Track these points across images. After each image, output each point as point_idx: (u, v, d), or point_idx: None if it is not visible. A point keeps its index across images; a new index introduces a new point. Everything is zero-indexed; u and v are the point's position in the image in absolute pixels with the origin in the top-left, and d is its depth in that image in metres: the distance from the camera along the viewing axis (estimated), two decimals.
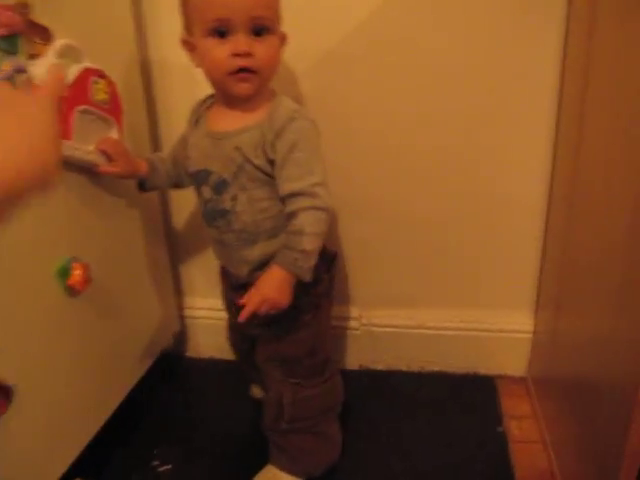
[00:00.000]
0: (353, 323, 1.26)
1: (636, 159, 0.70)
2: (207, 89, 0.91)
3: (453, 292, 1.22)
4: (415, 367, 1.28)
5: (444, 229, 1.17)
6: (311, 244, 0.82)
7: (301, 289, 0.89)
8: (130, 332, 1.08)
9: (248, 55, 0.80)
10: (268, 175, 0.85)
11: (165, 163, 1.00)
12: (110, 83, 0.89)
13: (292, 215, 0.83)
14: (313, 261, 0.83)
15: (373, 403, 1.19)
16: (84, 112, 0.84)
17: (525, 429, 1.11)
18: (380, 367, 1.29)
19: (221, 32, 0.80)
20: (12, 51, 0.74)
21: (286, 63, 1.06)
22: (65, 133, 0.80)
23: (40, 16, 0.78)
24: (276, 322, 0.92)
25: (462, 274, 1.20)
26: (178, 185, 1.02)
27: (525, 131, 1.07)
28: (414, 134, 1.10)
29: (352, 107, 1.10)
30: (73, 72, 0.81)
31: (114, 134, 0.92)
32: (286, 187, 0.83)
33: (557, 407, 1.04)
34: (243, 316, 0.81)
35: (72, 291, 0.88)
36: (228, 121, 0.88)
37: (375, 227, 1.19)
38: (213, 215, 0.91)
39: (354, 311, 1.26)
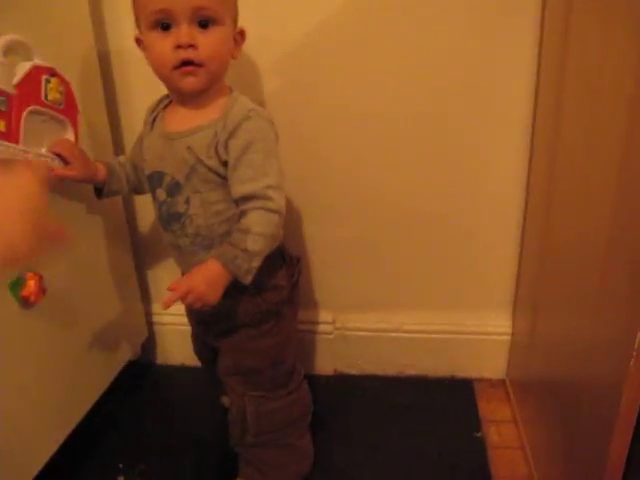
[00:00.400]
0: (326, 327, 1.23)
1: (614, 157, 0.68)
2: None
3: (429, 294, 1.20)
4: (391, 371, 1.25)
5: (419, 230, 1.14)
6: (256, 244, 0.77)
7: (260, 296, 0.86)
8: (93, 342, 1.03)
9: (191, 47, 0.76)
10: (221, 177, 0.81)
11: (124, 167, 0.95)
12: (63, 81, 0.84)
13: (242, 214, 0.79)
14: (255, 263, 0.78)
15: (348, 409, 1.16)
16: (34, 113, 0.79)
17: (504, 434, 1.08)
18: (355, 372, 1.26)
19: (164, 25, 0.77)
20: None
21: (252, 59, 1.03)
22: (13, 136, 0.75)
23: None
24: (234, 331, 0.89)
25: (438, 276, 1.18)
26: (138, 190, 0.98)
27: (502, 131, 1.05)
28: (386, 131, 1.07)
29: (319, 103, 1.06)
30: (21, 70, 0.76)
31: (69, 135, 0.88)
32: (238, 189, 0.79)
33: (537, 411, 1.02)
34: (166, 304, 0.76)
35: (26, 303, 0.83)
36: (181, 121, 0.84)
37: (348, 229, 1.15)
38: (168, 219, 0.87)
39: (327, 315, 1.23)
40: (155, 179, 0.87)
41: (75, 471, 1.03)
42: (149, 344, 1.30)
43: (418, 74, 1.02)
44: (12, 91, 0.74)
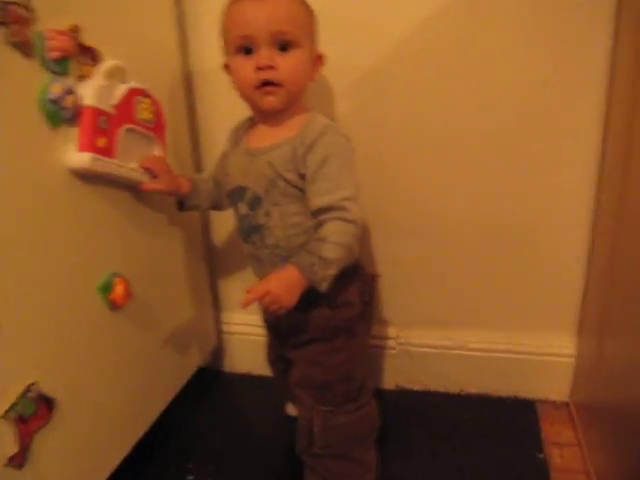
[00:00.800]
0: (390, 342, 1.25)
1: None
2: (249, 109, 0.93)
3: (493, 313, 1.20)
4: (453, 389, 1.25)
5: (484, 247, 1.15)
6: (332, 252, 0.80)
7: (331, 311, 0.89)
8: (168, 346, 1.09)
9: (271, 68, 0.82)
10: (299, 190, 0.85)
11: (207, 183, 1.01)
12: (154, 102, 0.91)
13: (319, 225, 0.83)
14: (331, 271, 0.81)
15: (409, 425, 1.17)
16: (129, 131, 0.86)
17: (567, 457, 1.07)
18: (417, 388, 1.27)
19: (247, 49, 0.83)
20: (63, 73, 0.77)
21: (329, 82, 1.08)
22: (110, 151, 0.82)
23: (89, 39, 0.80)
24: (307, 344, 0.92)
25: (502, 295, 1.18)
26: (217, 206, 1.03)
27: (571, 149, 1.05)
28: (454, 150, 1.09)
29: (389, 125, 1.10)
30: (119, 92, 0.84)
31: (157, 152, 0.95)
32: (316, 201, 0.83)
33: (602, 435, 1.00)
34: (243, 304, 0.79)
35: (113, 305, 0.89)
36: (263, 138, 0.89)
37: (413, 245, 1.17)
38: (248, 231, 0.92)
39: (391, 330, 1.25)
40: (237, 194, 0.92)
41: (146, 469, 1.08)
42: (218, 352, 1.35)
43: (486, 92, 1.04)
44: (111, 111, 0.82)
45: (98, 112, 0.79)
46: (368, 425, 0.99)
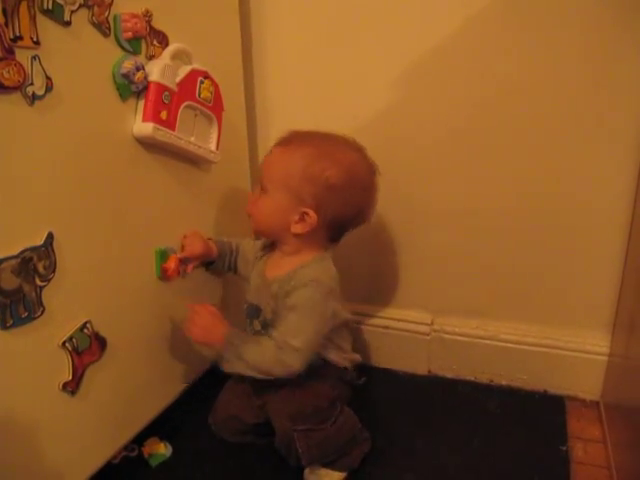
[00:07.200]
0: (424, 328, 1.29)
1: None
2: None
3: (528, 305, 1.22)
4: (483, 378, 1.28)
5: (523, 240, 1.17)
6: (248, 355, 0.91)
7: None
8: None
9: (250, 202, 1.00)
10: None
11: (233, 255, 1.11)
12: (214, 83, 1.00)
13: (267, 335, 0.93)
14: (237, 367, 0.91)
15: (437, 410, 1.21)
16: (189, 107, 0.95)
17: (590, 452, 1.08)
18: (448, 375, 1.31)
19: None
20: (135, 52, 0.87)
21: None
22: (171, 124, 0.92)
23: (160, 23, 0.90)
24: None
25: (539, 288, 1.20)
26: (233, 271, 1.12)
27: (611, 146, 1.06)
28: (495, 138, 1.13)
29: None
30: (183, 72, 0.93)
31: (214, 129, 1.03)
32: (275, 329, 0.93)
33: (629, 435, 1.00)
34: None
35: (164, 274, 0.98)
36: (273, 268, 1.01)
37: (453, 233, 1.21)
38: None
39: (426, 316, 1.29)
40: (253, 312, 1.01)
41: (184, 420, 1.16)
42: None
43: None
44: (174, 88, 0.91)
45: (162, 87, 0.88)
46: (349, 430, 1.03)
